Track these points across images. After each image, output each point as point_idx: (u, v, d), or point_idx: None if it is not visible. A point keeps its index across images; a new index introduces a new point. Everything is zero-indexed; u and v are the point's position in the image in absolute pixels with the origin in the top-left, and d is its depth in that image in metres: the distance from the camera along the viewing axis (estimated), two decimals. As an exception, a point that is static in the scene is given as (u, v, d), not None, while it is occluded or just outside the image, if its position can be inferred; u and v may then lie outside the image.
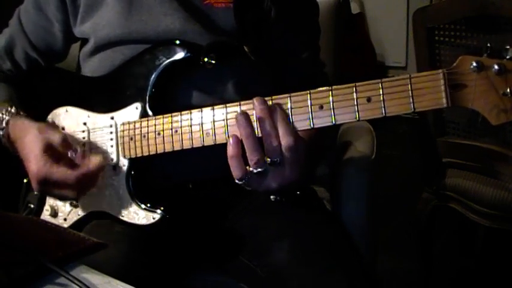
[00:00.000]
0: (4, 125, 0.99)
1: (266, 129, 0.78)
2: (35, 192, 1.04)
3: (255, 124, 0.81)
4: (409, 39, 3.93)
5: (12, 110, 1.00)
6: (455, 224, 2.07)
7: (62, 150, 0.91)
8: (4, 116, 0.99)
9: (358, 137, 1.28)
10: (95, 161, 0.90)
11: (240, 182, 0.81)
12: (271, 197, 0.93)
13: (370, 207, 1.19)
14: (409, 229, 2.02)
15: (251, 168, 0.79)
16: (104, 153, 0.97)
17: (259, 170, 0.79)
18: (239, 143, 0.80)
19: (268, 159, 0.79)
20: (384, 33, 4.06)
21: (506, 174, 1.50)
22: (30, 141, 0.91)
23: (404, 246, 2.17)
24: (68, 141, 0.92)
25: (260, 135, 0.79)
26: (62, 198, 0.96)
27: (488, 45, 0.72)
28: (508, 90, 0.70)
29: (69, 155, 0.91)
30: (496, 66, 0.71)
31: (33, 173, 0.89)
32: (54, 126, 1.02)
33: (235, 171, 0.80)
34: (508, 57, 0.71)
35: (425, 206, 1.70)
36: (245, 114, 0.80)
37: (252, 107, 0.81)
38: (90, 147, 0.99)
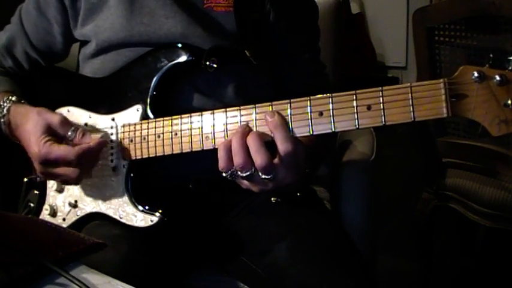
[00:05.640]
0: (5, 112, 0.99)
1: (255, 150, 0.78)
2: (35, 192, 1.04)
3: (254, 129, 0.81)
4: (409, 39, 3.93)
5: (13, 99, 1.00)
6: (455, 224, 2.07)
7: (62, 131, 0.92)
8: (5, 104, 1.00)
9: (358, 136, 1.29)
10: (94, 138, 0.92)
11: (224, 175, 0.82)
12: (272, 198, 0.94)
13: (370, 207, 1.19)
14: (409, 229, 2.03)
15: (237, 170, 0.80)
16: (104, 155, 0.97)
17: (244, 174, 0.79)
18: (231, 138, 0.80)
19: (263, 176, 0.79)
20: (384, 33, 4.07)
21: (506, 174, 1.50)
22: (30, 125, 0.92)
23: (404, 246, 2.17)
24: (68, 121, 0.94)
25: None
26: (64, 180, 0.94)
27: (491, 55, 0.72)
28: (510, 101, 0.70)
29: (69, 133, 0.92)
30: (497, 77, 0.70)
31: (34, 154, 0.90)
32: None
33: (220, 162, 0.81)
34: (510, 68, 0.70)
35: (425, 206, 1.70)
36: (246, 124, 0.81)
37: (252, 112, 0.81)
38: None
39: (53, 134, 0.92)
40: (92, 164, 0.94)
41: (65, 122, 0.93)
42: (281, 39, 1.07)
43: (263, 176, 0.79)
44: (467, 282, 1.98)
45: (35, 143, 0.90)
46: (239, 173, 0.80)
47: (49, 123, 0.92)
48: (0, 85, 1.08)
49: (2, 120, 1.00)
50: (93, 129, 1.00)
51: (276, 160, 0.79)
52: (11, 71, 1.15)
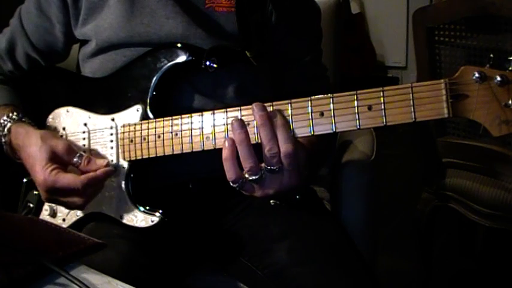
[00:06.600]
0: (6, 131, 0.98)
1: (265, 135, 0.78)
2: (35, 192, 1.04)
3: (254, 130, 0.81)
4: (409, 39, 3.94)
5: (14, 116, 0.99)
6: (455, 224, 2.07)
7: (67, 158, 0.91)
8: (6, 123, 0.99)
9: (358, 136, 1.29)
10: (99, 164, 0.91)
11: (234, 185, 0.81)
12: (271, 201, 0.93)
13: (369, 207, 1.19)
14: (409, 229, 2.03)
15: (246, 175, 0.79)
16: (104, 155, 0.97)
17: (254, 177, 0.79)
18: (234, 146, 0.79)
19: (268, 167, 0.79)
20: (384, 33, 4.07)
21: (506, 174, 1.50)
22: (34, 151, 0.91)
23: (404, 246, 2.17)
24: (72, 148, 0.93)
25: (259, 141, 0.79)
26: (70, 207, 0.94)
27: (491, 55, 0.72)
28: (510, 101, 0.70)
29: (74, 160, 0.91)
30: (498, 77, 0.70)
31: (40, 182, 0.90)
32: (56, 134, 1.02)
33: (229, 174, 0.80)
34: (510, 68, 0.70)
35: (425, 206, 1.70)
36: (239, 120, 0.80)
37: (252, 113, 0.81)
38: (90, 150, 0.99)
39: (58, 161, 0.91)
40: (98, 191, 0.93)
41: (70, 148, 0.92)
42: (282, 41, 1.07)
43: (269, 169, 0.78)
44: (467, 282, 1.98)
45: (41, 172, 0.89)
46: (249, 177, 0.79)
47: (54, 150, 0.91)
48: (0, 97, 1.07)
49: (2, 140, 0.99)
50: (92, 136, 1.00)
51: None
52: (10, 75, 1.14)
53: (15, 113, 1.00)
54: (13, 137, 0.97)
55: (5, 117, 0.99)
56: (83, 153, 0.93)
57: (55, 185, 0.89)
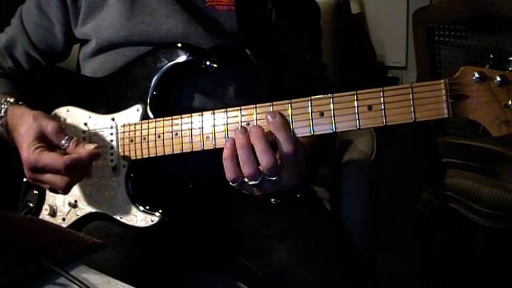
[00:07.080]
0: (3, 113, 0.98)
1: (259, 149, 0.77)
2: (35, 192, 1.04)
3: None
4: (409, 39, 3.94)
5: (11, 100, 0.99)
6: (455, 224, 2.07)
7: (56, 139, 0.90)
8: (3, 106, 0.98)
9: (358, 136, 1.29)
10: (87, 148, 0.88)
11: (233, 185, 0.81)
12: (272, 200, 0.94)
13: (369, 207, 1.19)
14: (409, 229, 2.03)
15: (245, 179, 0.79)
16: (104, 155, 0.97)
17: (253, 182, 0.79)
18: (234, 146, 0.80)
19: (267, 178, 0.79)
20: (384, 33, 4.07)
21: (506, 174, 1.50)
22: (24, 129, 0.90)
23: (404, 246, 2.17)
24: (62, 130, 0.91)
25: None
26: (52, 188, 0.92)
27: (491, 56, 0.72)
28: (510, 102, 0.70)
29: (62, 142, 0.89)
30: (498, 78, 0.70)
31: (24, 159, 0.89)
32: (52, 115, 1.01)
33: (228, 173, 0.80)
34: (510, 68, 0.71)
35: (425, 206, 1.70)
36: (242, 127, 0.80)
37: (253, 112, 0.81)
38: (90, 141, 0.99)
39: (46, 142, 0.89)
40: (83, 174, 0.91)
41: (59, 130, 0.90)
42: (282, 40, 1.07)
43: (268, 179, 0.79)
44: (467, 283, 1.98)
45: (26, 149, 0.88)
46: (248, 181, 0.79)
47: (43, 130, 0.89)
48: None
49: None
50: (92, 136, 0.99)
51: (278, 162, 0.79)
52: (11, 72, 1.15)
53: (13, 98, 1.00)
54: (9, 118, 0.97)
55: (2, 100, 0.99)
56: (73, 136, 0.90)
57: (37, 164, 0.87)
